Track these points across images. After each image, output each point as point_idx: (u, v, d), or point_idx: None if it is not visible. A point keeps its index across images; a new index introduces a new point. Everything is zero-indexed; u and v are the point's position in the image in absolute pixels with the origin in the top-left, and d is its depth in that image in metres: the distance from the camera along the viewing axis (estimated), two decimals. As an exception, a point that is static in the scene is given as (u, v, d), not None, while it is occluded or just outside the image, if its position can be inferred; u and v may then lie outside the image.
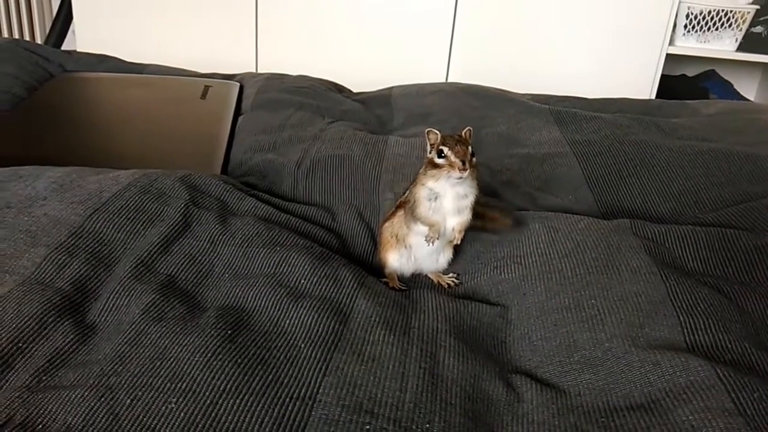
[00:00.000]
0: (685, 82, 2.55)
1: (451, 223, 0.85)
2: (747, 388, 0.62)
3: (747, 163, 1.14)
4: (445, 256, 0.91)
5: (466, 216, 0.85)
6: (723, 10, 2.22)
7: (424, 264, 0.91)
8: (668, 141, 1.25)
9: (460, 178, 0.80)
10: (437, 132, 0.82)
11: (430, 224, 0.84)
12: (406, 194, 0.89)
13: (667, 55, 2.23)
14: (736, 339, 0.71)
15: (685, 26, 2.26)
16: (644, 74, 2.23)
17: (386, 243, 0.90)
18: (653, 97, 2.25)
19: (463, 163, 0.79)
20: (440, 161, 0.80)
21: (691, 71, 2.61)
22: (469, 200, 0.84)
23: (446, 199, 0.83)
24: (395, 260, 0.90)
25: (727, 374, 0.64)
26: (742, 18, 2.23)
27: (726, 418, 0.59)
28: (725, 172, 1.12)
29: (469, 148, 0.81)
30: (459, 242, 0.86)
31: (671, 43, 2.23)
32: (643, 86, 2.24)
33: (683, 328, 0.72)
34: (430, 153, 0.82)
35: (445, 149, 0.80)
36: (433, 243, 0.84)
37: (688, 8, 2.22)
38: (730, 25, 2.25)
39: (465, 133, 0.83)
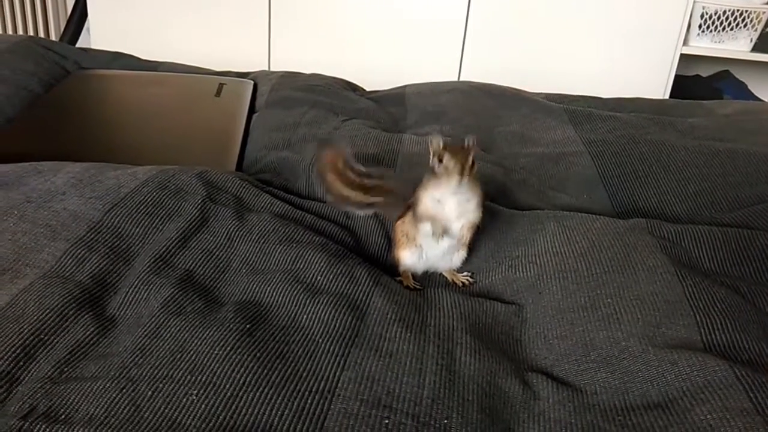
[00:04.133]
0: (698, 83, 2.54)
1: (456, 225, 0.85)
2: (765, 388, 0.62)
3: (764, 163, 1.13)
4: (459, 256, 0.91)
5: (473, 215, 0.85)
6: (738, 10, 2.20)
7: (438, 263, 0.91)
8: (684, 141, 1.24)
9: (456, 188, 0.80)
10: (440, 138, 0.82)
11: (431, 218, 0.84)
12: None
13: (681, 55, 2.22)
14: (753, 339, 0.71)
15: (700, 26, 2.25)
16: (658, 74, 2.22)
17: (399, 241, 0.91)
18: (667, 97, 2.24)
19: (461, 174, 0.79)
20: (439, 170, 0.81)
21: (705, 71, 2.59)
22: (473, 203, 0.84)
23: (448, 205, 0.83)
24: (408, 258, 0.90)
25: (745, 374, 0.64)
26: (757, 18, 2.22)
27: (744, 418, 0.59)
28: (742, 172, 1.11)
29: (470, 157, 0.80)
30: (468, 241, 0.86)
31: (685, 43, 2.22)
32: (657, 86, 2.23)
33: (700, 327, 0.72)
34: (432, 160, 0.83)
35: (445, 158, 0.80)
36: (439, 239, 0.84)
37: (703, 8, 2.21)
38: (745, 25, 2.24)
39: (468, 144, 0.82)
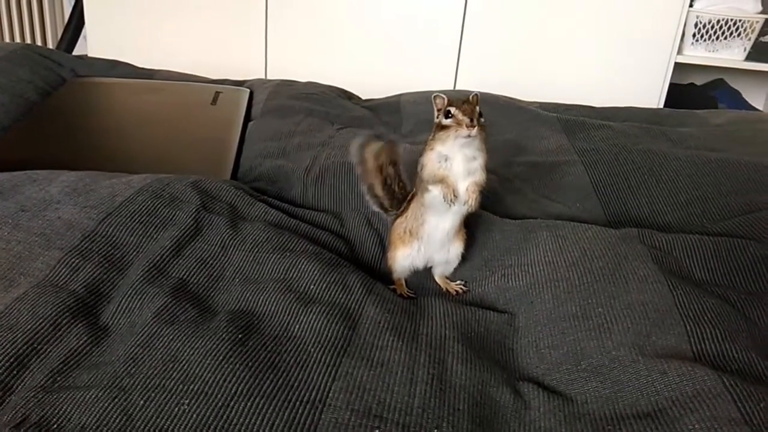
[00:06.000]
0: (693, 91, 2.55)
1: (462, 186, 0.83)
2: (753, 398, 0.63)
3: (755, 172, 1.14)
4: (455, 248, 0.91)
5: (478, 176, 0.83)
6: (732, 20, 2.22)
7: (436, 255, 0.90)
8: (676, 150, 1.25)
9: (468, 136, 0.79)
10: (444, 96, 0.82)
11: (440, 179, 0.82)
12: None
13: (676, 63, 2.23)
14: (742, 348, 0.71)
15: (694, 35, 2.26)
16: (653, 83, 2.23)
17: (397, 240, 0.90)
18: (661, 105, 2.25)
19: (471, 121, 0.78)
20: (448, 122, 0.80)
21: (700, 80, 2.61)
22: (479, 162, 0.83)
23: (455, 161, 0.82)
24: (406, 257, 0.90)
25: (734, 383, 0.64)
26: (750, 27, 2.24)
27: (732, 428, 0.59)
28: (733, 181, 1.12)
29: (477, 108, 0.80)
30: (474, 207, 0.84)
31: (680, 52, 2.24)
32: (652, 95, 2.24)
33: (690, 337, 0.72)
34: (437, 118, 0.82)
35: (452, 109, 0.80)
36: (452, 202, 0.82)
37: (697, 17, 2.23)
38: (738, 35, 2.25)
39: (472, 98, 0.82)
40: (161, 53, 2.26)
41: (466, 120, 0.78)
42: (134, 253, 0.84)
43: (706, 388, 0.64)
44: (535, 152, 1.31)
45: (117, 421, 0.58)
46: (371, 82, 2.05)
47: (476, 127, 0.79)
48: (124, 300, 0.76)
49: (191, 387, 0.61)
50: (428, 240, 0.89)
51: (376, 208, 0.98)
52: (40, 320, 0.69)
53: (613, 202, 1.12)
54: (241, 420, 0.59)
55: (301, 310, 0.75)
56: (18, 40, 2.72)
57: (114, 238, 0.85)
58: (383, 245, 0.99)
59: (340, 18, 2.26)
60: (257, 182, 1.18)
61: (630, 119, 1.51)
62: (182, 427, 0.58)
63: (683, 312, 0.76)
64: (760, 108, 2.64)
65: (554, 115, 1.47)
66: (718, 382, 0.64)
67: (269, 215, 0.98)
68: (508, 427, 0.64)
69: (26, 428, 0.57)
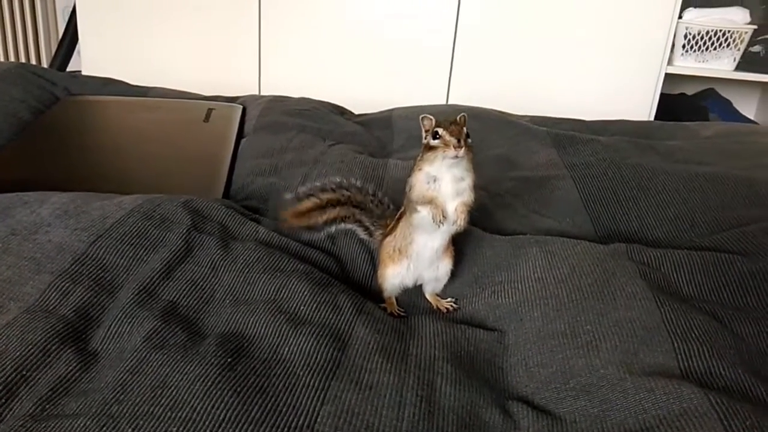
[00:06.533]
0: (684, 101, 2.57)
1: (451, 207, 0.84)
2: (739, 416, 0.63)
3: (743, 186, 1.14)
4: (444, 266, 0.91)
5: (466, 196, 0.84)
6: (721, 30, 2.24)
7: (425, 273, 0.91)
8: (665, 164, 1.26)
9: (456, 157, 0.80)
10: (432, 117, 0.83)
11: (429, 201, 0.83)
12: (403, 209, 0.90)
13: (666, 74, 2.24)
14: (729, 365, 0.71)
15: (684, 46, 2.28)
16: (644, 94, 2.25)
17: (387, 259, 0.91)
18: (653, 115, 2.26)
19: (458, 141, 0.79)
20: (435, 143, 0.81)
21: (690, 90, 2.63)
22: (467, 182, 0.84)
23: (444, 182, 0.83)
24: (396, 275, 0.90)
25: (720, 401, 0.65)
26: (740, 37, 2.26)
27: (717, 446, 0.60)
28: (721, 195, 1.13)
29: (464, 129, 0.81)
30: (462, 227, 0.85)
31: (670, 62, 2.25)
32: (643, 105, 2.25)
33: (677, 354, 0.73)
34: (425, 139, 0.83)
35: (440, 130, 0.81)
36: (441, 223, 0.83)
37: (687, 28, 2.25)
38: (728, 45, 2.27)
39: (459, 119, 0.83)
40: (155, 69, 2.26)
41: (453, 141, 0.80)
42: (124, 275, 0.84)
43: (693, 406, 0.64)
44: (526, 167, 1.32)
45: (105, 449, 0.58)
46: (365, 97, 2.06)
47: (463, 148, 0.80)
48: (113, 324, 0.76)
49: (179, 414, 0.61)
50: (417, 258, 0.89)
51: (362, 236, 1.00)
52: (30, 346, 0.69)
53: (603, 217, 1.13)
54: (228, 447, 0.59)
55: (290, 332, 0.75)
56: (12, 55, 2.73)
57: (104, 261, 0.85)
58: (374, 263, 0.99)
59: (333, 33, 2.27)
60: (249, 200, 1.18)
61: (620, 133, 1.52)
62: (170, 454, 0.58)
63: (671, 329, 0.77)
64: (751, 117, 2.66)
65: (544, 129, 1.48)
66: (704, 400, 0.65)
67: (260, 234, 0.98)
68: (497, 448, 0.64)
69: (14, 457, 0.57)
